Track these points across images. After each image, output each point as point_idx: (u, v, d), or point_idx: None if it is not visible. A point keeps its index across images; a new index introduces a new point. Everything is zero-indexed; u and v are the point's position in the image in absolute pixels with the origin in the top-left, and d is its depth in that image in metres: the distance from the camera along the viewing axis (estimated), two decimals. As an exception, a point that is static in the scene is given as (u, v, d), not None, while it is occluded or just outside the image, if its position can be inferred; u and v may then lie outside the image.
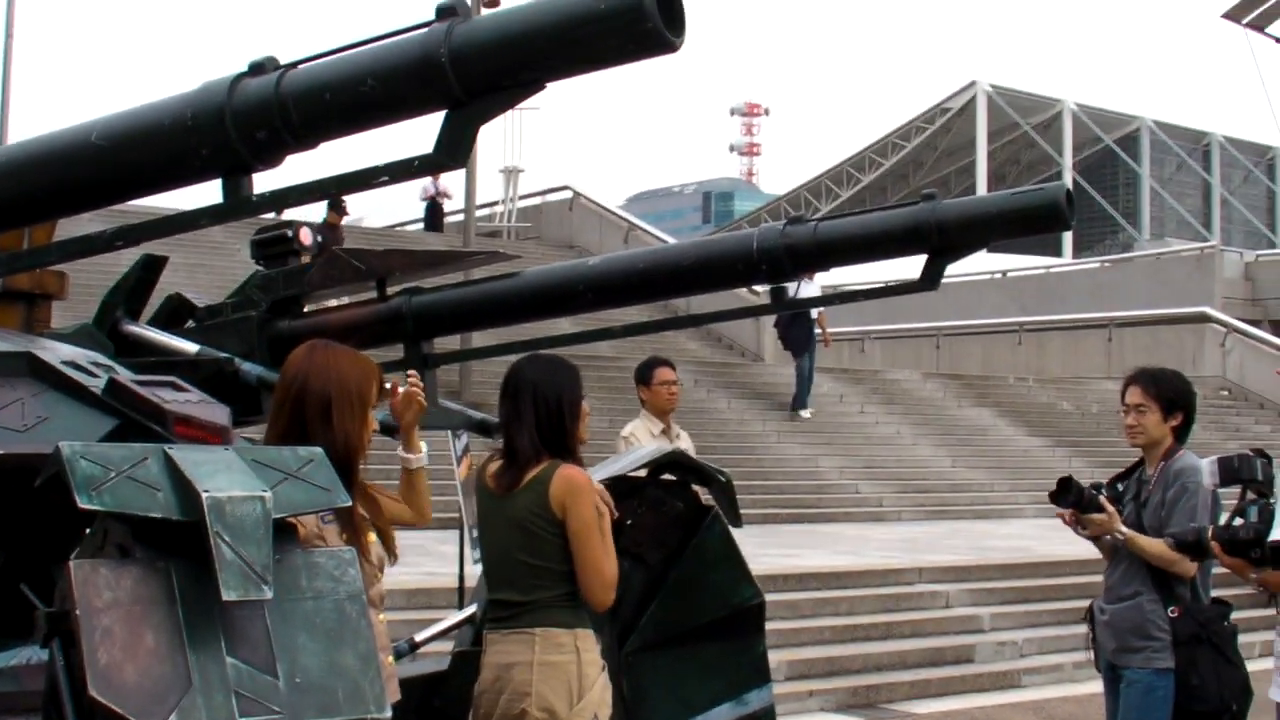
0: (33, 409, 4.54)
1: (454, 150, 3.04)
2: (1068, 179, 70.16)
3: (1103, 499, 6.20)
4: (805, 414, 22.73)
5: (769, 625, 11.97)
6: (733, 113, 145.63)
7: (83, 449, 3.31)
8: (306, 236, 6.17)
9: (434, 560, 11.10)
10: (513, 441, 5.05)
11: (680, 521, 5.87)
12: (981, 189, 70.16)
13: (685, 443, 9.80)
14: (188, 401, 4.52)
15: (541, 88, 3.01)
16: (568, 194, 35.59)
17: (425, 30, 3.02)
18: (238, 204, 3.29)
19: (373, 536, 4.27)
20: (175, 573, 3.28)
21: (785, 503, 19.68)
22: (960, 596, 13.68)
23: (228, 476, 3.33)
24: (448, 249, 5.52)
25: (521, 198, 37.70)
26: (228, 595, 3.18)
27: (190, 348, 5.87)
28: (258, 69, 3.24)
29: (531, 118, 44.13)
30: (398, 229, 38.53)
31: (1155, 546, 6.12)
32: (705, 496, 6.19)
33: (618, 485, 5.85)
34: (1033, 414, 25.80)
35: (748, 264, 5.28)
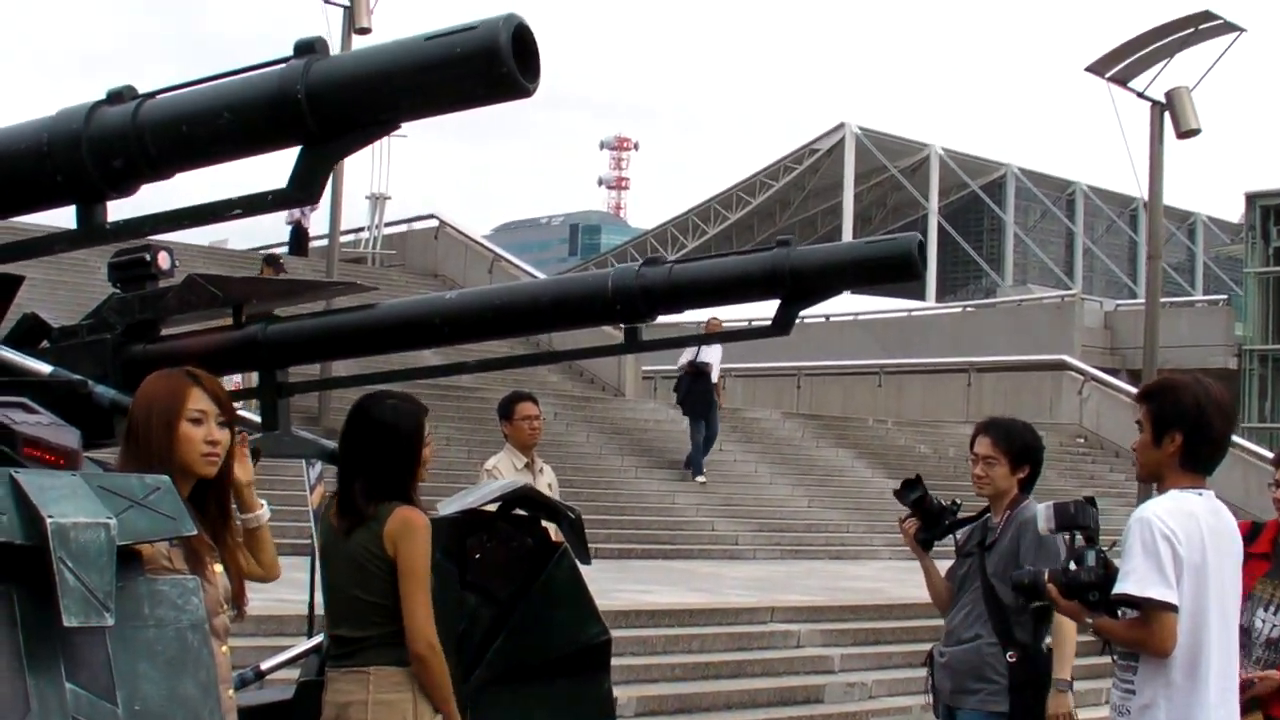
0: None
1: (307, 186, 3.07)
2: (933, 223, 71.30)
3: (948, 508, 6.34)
4: (701, 479, 22.30)
5: (620, 661, 12.08)
6: (602, 146, 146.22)
7: (-78, 472, 3.30)
8: (165, 260, 6.13)
9: (285, 587, 10.98)
10: (351, 482, 5.08)
11: (529, 557, 5.90)
12: (847, 230, 70.98)
13: (549, 476, 9.88)
14: (38, 424, 4.47)
15: (396, 127, 3.06)
16: (433, 223, 35.53)
17: (284, 66, 3.06)
18: (91, 231, 3.31)
19: (218, 567, 4.25)
20: (17, 597, 3.28)
21: (642, 538, 19.75)
22: (812, 636, 13.82)
23: (73, 502, 3.33)
24: (305, 278, 5.55)
25: (387, 225, 37.60)
26: (69, 621, 3.17)
27: (44, 369, 5.81)
28: (116, 97, 3.25)
29: (399, 145, 43.99)
30: (262, 251, 38.21)
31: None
32: (556, 534, 6.23)
33: (469, 519, 5.89)
34: (890, 456, 26.12)
35: (603, 303, 5.32)
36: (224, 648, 4.25)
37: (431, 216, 36.31)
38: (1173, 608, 4.82)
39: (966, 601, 6.40)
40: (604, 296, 5.30)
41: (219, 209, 3.23)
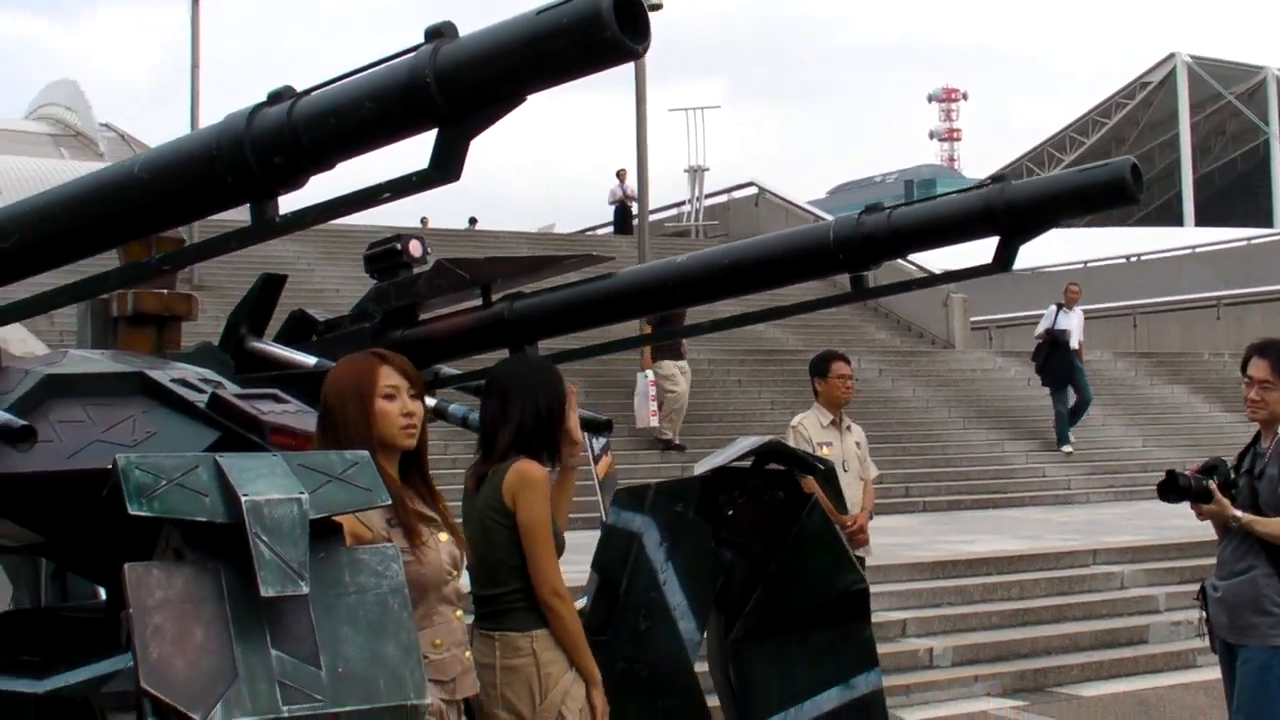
0: (142, 425, 4.78)
1: (447, 165, 3.21)
2: (1275, 148, 68.45)
3: (1211, 485, 6.16)
4: (1067, 449, 21.57)
5: (936, 612, 12.13)
6: (930, 99, 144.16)
7: (138, 459, 3.54)
8: (416, 248, 6.38)
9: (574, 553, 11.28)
10: (489, 440, 5.14)
11: (781, 510, 5.97)
12: (1186, 163, 68.78)
13: (857, 435, 9.96)
14: (285, 412, 4.75)
15: (521, 100, 3.17)
16: (753, 190, 35.68)
17: (414, 53, 3.21)
18: (262, 226, 3.50)
19: (445, 536, 4.42)
20: (224, 572, 3.50)
21: (971, 489, 19.60)
22: (1135, 577, 13.53)
23: (269, 481, 3.54)
24: (545, 254, 5.71)
25: (708, 196, 37.88)
26: (266, 591, 3.38)
27: (308, 360, 6.14)
28: (275, 98, 3.45)
29: (714, 116, 44.23)
30: (588, 233, 38.98)
31: (1273, 526, 6.07)
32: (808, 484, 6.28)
33: (721, 477, 5.99)
34: (1228, 389, 25.19)
35: (825, 254, 5.38)
36: (457, 612, 4.41)
37: (751, 184, 36.47)
38: None
39: (1236, 531, 6.22)
40: (826, 247, 5.36)
41: (371, 193, 3.39)
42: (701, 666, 6.22)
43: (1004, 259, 5.20)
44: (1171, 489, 6.13)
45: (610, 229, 37.03)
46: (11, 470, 4.44)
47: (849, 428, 9.99)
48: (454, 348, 6.23)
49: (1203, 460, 6.47)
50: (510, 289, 6.17)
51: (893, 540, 15.11)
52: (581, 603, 5.96)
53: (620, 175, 36.20)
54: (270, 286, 6.48)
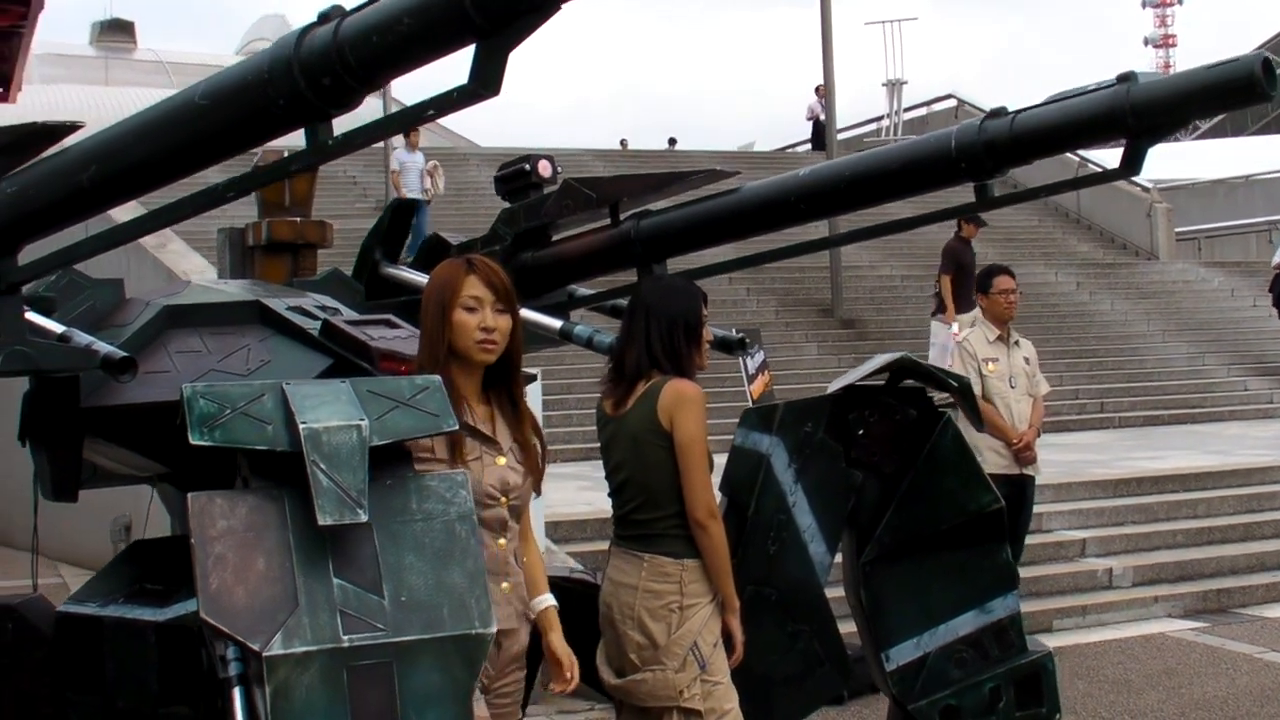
0: (257, 353, 4.81)
1: (487, 79, 3.12)
2: None
3: None
4: None
5: (1117, 530, 11.85)
6: (1144, 5, 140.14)
7: (204, 389, 3.54)
8: (545, 169, 6.30)
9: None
10: (623, 358, 5.04)
11: (914, 428, 5.79)
12: None
13: (1025, 350, 9.80)
14: (396, 338, 4.73)
15: (556, 9, 3.06)
16: (952, 103, 35.06)
17: (448, -33, 3.12)
18: (317, 149, 3.45)
19: (502, 460, 4.22)
20: (288, 501, 3.48)
21: (1169, 404, 19.14)
22: (1332, 493, 13.08)
23: (331, 408, 3.50)
24: (670, 171, 5.62)
25: (906, 110, 37.33)
26: (323, 519, 3.35)
27: (438, 284, 6.12)
28: (324, 18, 3.39)
29: (911, 29, 43.59)
30: (787, 150, 38.70)
31: None
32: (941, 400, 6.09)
33: (851, 396, 5.85)
34: None
35: (948, 163, 5.18)
36: (500, 540, 4.20)
37: (950, 97, 35.86)
38: None
39: None
40: (949, 155, 5.18)
41: (417, 111, 3.33)
42: (839, 590, 6.11)
43: (1132, 162, 4.95)
44: None
45: (809, 145, 36.68)
46: (131, 401, 4.49)
47: (1017, 343, 9.79)
48: (584, 268, 6.15)
49: None
50: (638, 207, 6.07)
51: (1080, 457, 14.85)
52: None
53: (818, 91, 35.74)
54: (402, 213, 6.47)
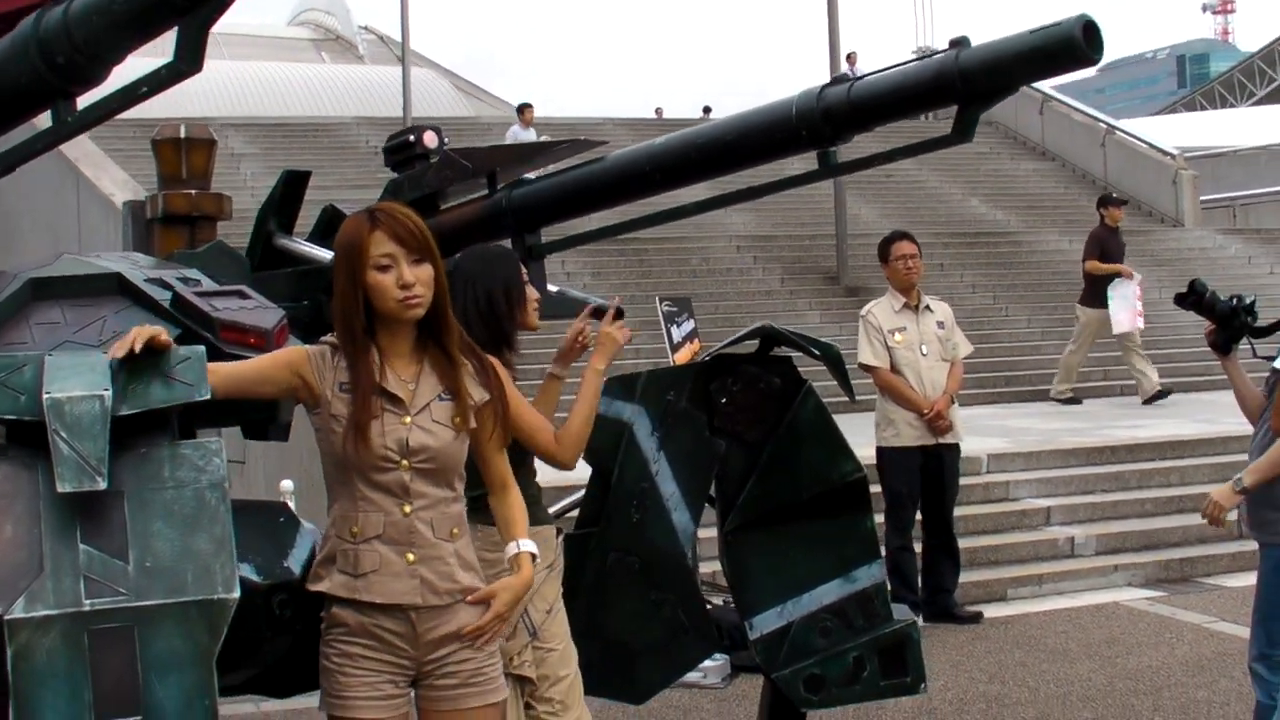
0: (112, 325, 4.87)
1: (190, 56, 3.20)
2: None
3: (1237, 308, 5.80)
4: None
5: (1084, 499, 11.82)
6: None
7: (-25, 361, 3.64)
8: (431, 139, 6.35)
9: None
10: None
11: (778, 397, 5.82)
12: None
13: (939, 314, 9.64)
14: (242, 309, 4.80)
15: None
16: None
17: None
18: (60, 127, 3.53)
19: (408, 419, 3.92)
20: (42, 469, 3.57)
21: (1175, 371, 18.97)
22: (1310, 463, 12.97)
23: (80, 379, 3.58)
24: (538, 141, 5.60)
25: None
26: (61, 487, 3.44)
27: (327, 255, 6.19)
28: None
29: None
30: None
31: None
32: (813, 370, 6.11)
33: (714, 365, 5.89)
34: None
35: (789, 131, 5.21)
36: (405, 507, 3.90)
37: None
38: None
39: (1262, 422, 5.89)
40: (789, 123, 5.19)
41: (131, 90, 3.41)
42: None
43: (963, 128, 4.96)
44: (1187, 296, 5.79)
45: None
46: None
47: (928, 308, 9.66)
48: (462, 238, 6.19)
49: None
50: (513, 178, 6.13)
51: (1062, 425, 14.85)
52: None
53: (850, 59, 35.66)
54: (293, 183, 6.53)
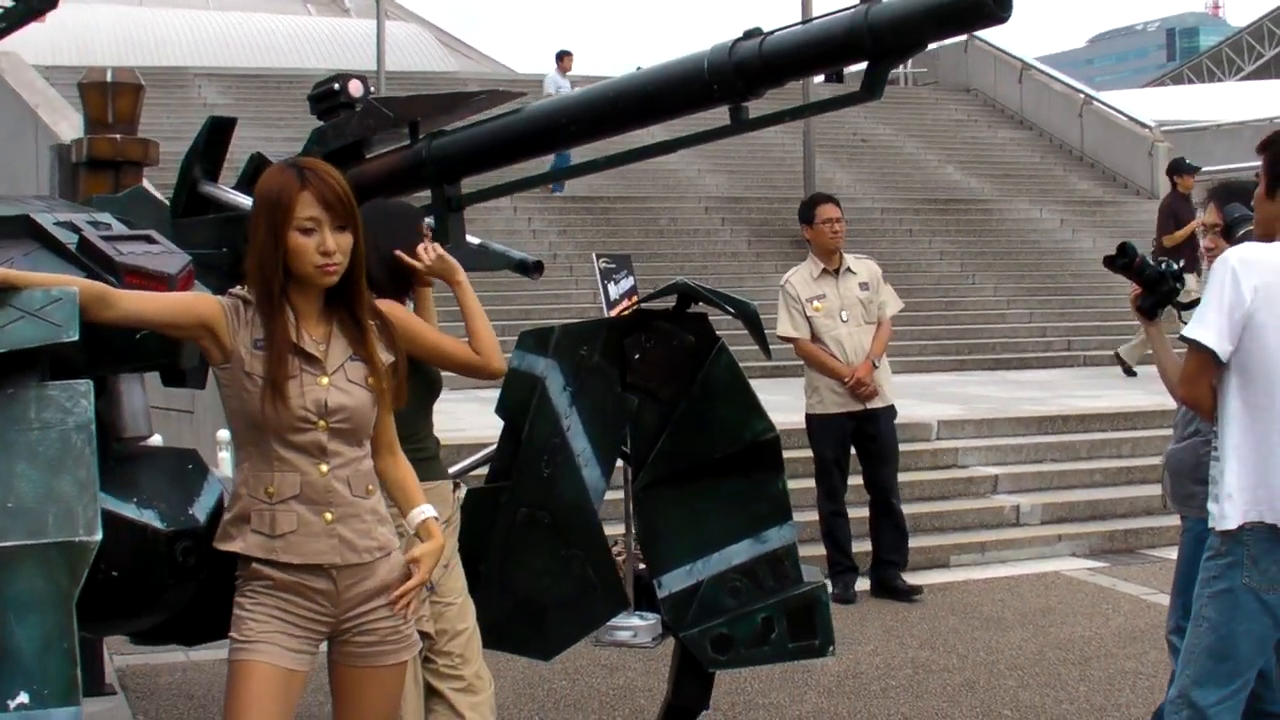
0: (19, 266, 4.86)
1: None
2: None
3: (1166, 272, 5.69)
4: None
5: (1034, 468, 11.84)
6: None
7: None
8: (356, 88, 6.29)
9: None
10: None
11: (693, 355, 5.79)
12: None
13: (864, 274, 9.48)
14: (147, 253, 4.78)
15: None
16: (962, 37, 34.74)
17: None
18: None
19: (325, 380, 3.90)
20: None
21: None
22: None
23: (-57, 317, 3.56)
24: (461, 91, 5.58)
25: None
26: (-81, 426, 3.42)
27: (249, 202, 6.14)
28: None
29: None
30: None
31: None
32: (737, 328, 6.07)
33: (628, 321, 5.87)
34: None
35: (702, 85, 5.13)
36: (321, 467, 3.87)
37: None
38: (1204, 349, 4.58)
39: None
40: (702, 78, 5.13)
41: None
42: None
43: (872, 85, 4.89)
44: (1117, 258, 5.65)
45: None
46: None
47: (849, 270, 9.50)
48: (383, 188, 6.14)
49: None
50: (434, 128, 6.07)
51: (1019, 394, 14.86)
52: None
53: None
54: (218, 129, 6.47)
